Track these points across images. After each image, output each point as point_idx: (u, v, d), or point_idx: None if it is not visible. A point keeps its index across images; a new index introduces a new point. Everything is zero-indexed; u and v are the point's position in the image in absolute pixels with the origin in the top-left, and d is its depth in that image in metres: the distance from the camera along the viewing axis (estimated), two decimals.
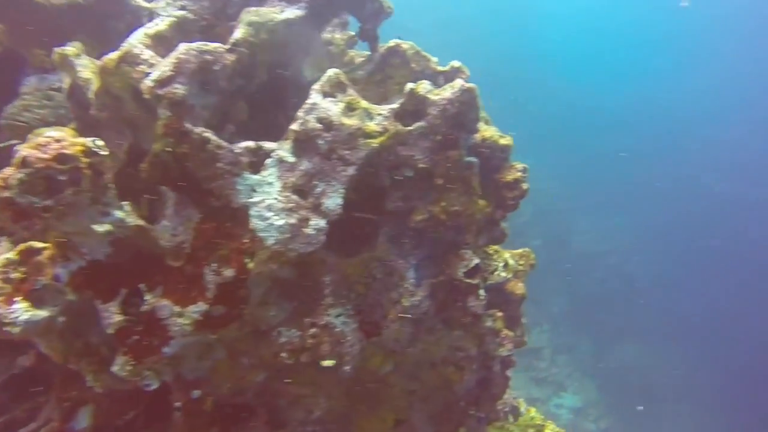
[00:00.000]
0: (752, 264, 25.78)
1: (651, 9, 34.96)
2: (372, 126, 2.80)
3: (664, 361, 21.22)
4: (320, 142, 2.69)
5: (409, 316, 2.96)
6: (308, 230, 2.60)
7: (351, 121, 2.75)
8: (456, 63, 3.65)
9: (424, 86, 2.96)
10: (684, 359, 22.01)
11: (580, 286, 20.72)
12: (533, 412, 6.02)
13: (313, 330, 2.76)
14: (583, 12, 35.98)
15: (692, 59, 34.76)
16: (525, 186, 4.00)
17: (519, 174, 3.97)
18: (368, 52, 3.70)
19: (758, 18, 32.97)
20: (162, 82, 2.45)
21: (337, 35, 3.71)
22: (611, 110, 29.27)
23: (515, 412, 5.95)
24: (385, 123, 2.84)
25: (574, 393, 16.01)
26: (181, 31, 2.95)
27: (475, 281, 3.13)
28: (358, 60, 3.79)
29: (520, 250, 4.25)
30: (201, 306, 2.53)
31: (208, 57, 2.55)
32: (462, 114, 2.96)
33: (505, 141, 3.77)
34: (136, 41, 2.68)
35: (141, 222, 2.54)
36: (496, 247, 4.05)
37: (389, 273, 3.00)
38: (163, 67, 2.49)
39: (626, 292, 21.40)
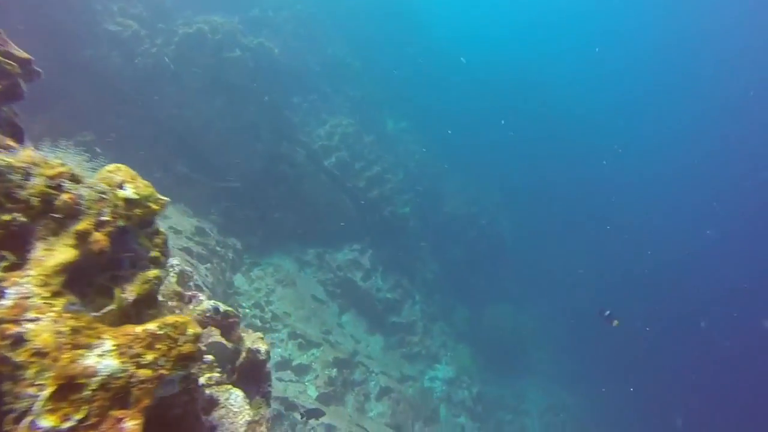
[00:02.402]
0: (606, 223, 27.34)
1: None
2: None
3: (529, 313, 21.43)
4: None
5: None
6: None
7: None
8: None
9: None
10: (544, 309, 22.57)
11: (452, 250, 19.72)
12: None
13: None
14: None
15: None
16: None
17: None
18: None
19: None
20: None
21: None
22: (478, 70, 28.39)
23: None
24: None
25: (448, 363, 14.91)
26: None
27: None
28: None
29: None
30: None
31: None
32: None
33: None
34: None
35: None
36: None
37: None
38: None
39: (496, 252, 20.91)
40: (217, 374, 3.09)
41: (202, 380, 2.91)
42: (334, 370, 10.66)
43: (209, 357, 3.10)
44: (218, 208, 13.59)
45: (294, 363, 10.33)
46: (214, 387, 3.12)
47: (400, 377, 12.84)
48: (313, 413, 8.33)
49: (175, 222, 10.90)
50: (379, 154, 16.64)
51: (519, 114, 28.01)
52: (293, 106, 15.47)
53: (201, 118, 13.37)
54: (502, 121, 22.13)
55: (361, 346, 12.70)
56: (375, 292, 14.02)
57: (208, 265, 9.90)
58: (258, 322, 10.73)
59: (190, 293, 3.96)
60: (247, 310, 10.97)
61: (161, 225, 8.57)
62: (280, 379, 9.47)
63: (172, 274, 4.35)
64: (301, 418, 8.40)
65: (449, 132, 20.40)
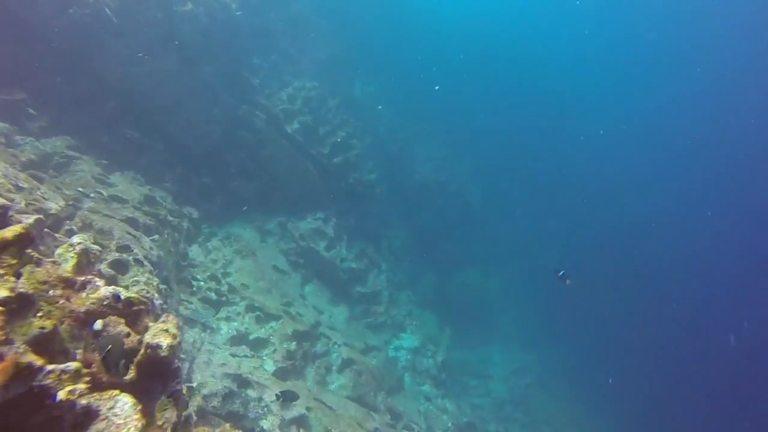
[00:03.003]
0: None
1: None
2: None
3: (496, 278, 21.42)
4: None
5: None
6: None
7: None
8: None
9: None
10: (512, 274, 22.61)
11: (421, 217, 19.32)
12: None
13: None
14: None
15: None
16: None
17: None
18: None
19: None
20: None
21: None
22: (448, 35, 27.30)
23: None
24: None
25: (413, 332, 14.70)
26: None
27: None
28: None
29: None
30: None
31: None
32: None
33: None
34: None
35: None
36: None
37: None
38: None
39: (465, 219, 20.63)
40: (83, 386, 2.52)
41: (61, 395, 2.35)
42: (294, 343, 10.23)
43: (72, 365, 2.53)
44: (173, 176, 12.73)
45: (251, 337, 9.84)
46: (94, 395, 2.57)
47: (364, 348, 12.55)
48: (289, 395, 8.06)
49: (121, 190, 10.07)
50: (344, 119, 15.83)
51: (492, 78, 27.35)
52: (253, 67, 14.43)
53: (151, 78, 12.28)
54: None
55: (324, 317, 12.29)
56: (339, 262, 13.53)
57: (156, 237, 9.18)
58: (213, 296, 10.15)
59: (83, 278, 3.34)
60: (202, 283, 10.35)
61: (103, 192, 7.66)
62: (234, 355, 8.98)
63: (71, 254, 3.70)
64: (277, 399, 8.14)
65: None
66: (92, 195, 9.11)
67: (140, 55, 11.72)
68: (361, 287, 14.03)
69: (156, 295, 7.07)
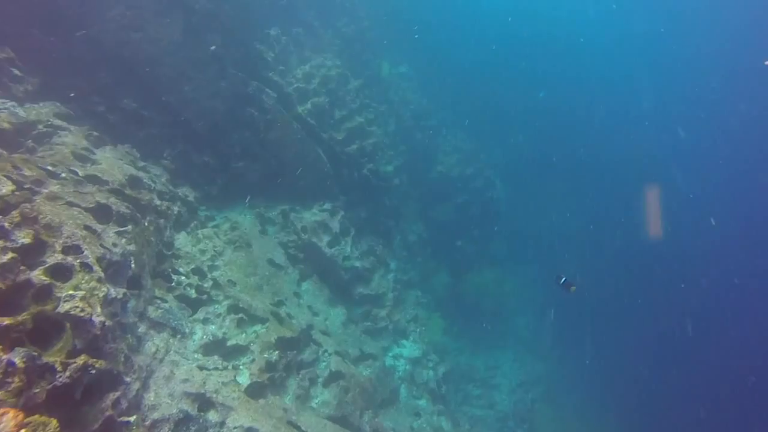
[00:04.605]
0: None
1: None
2: None
3: (515, 280, 19.78)
4: None
5: None
6: None
7: None
8: None
9: None
10: (532, 277, 20.91)
11: (440, 212, 17.71)
12: None
13: None
14: None
15: None
16: None
17: None
18: None
19: None
20: None
21: None
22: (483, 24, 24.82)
23: None
24: None
25: (415, 340, 13.35)
26: None
27: None
28: None
29: None
30: None
31: None
32: None
33: None
34: None
35: None
36: None
37: None
38: None
39: (488, 217, 18.88)
40: None
41: None
42: (276, 352, 9.04)
43: None
44: (173, 153, 11.54)
45: (228, 344, 8.70)
46: None
47: (359, 356, 11.31)
48: None
49: (102, 169, 8.87)
50: (364, 102, 14.20)
51: (533, 67, 24.90)
52: (269, 40, 12.89)
53: (154, 45, 10.97)
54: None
55: (318, 319, 11.07)
56: (341, 261, 12.19)
57: (130, 227, 7.99)
58: (193, 293, 9.00)
59: None
60: (183, 278, 9.21)
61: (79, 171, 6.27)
62: (202, 367, 7.84)
63: None
64: None
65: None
66: (63, 175, 7.96)
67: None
68: (363, 288, 12.70)
69: (99, 310, 5.89)
